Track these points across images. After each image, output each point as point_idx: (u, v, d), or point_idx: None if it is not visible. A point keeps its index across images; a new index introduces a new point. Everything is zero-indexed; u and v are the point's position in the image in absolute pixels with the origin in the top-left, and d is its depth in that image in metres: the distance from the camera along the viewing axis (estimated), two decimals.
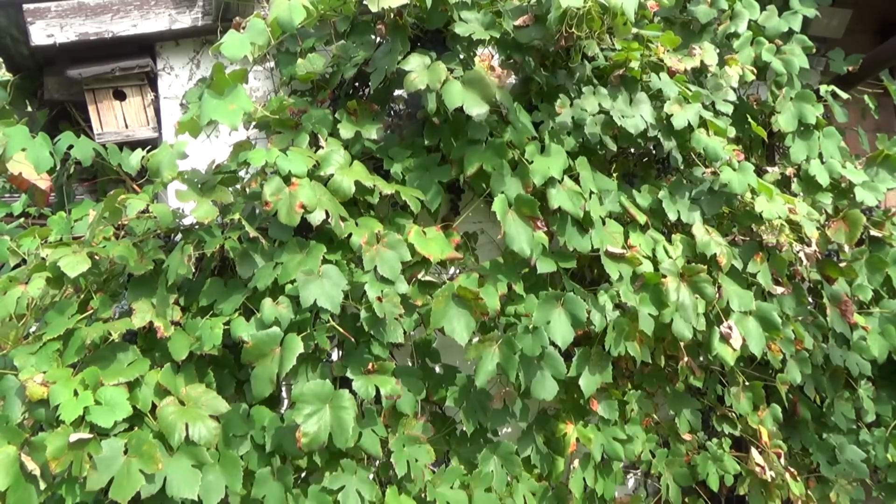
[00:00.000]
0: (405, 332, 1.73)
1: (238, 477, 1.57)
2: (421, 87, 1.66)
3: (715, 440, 2.15)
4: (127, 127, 2.21)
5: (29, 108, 2.52)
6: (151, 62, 2.21)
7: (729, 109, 2.15)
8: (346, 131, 1.80)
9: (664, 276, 1.87)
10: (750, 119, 2.23)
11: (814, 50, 2.36)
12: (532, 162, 1.82)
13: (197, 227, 1.73)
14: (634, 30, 1.93)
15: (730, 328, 1.91)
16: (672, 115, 1.95)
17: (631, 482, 2.40)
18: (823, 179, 2.21)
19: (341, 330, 1.68)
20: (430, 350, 1.93)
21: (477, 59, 1.71)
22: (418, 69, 1.69)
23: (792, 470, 2.12)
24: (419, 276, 1.77)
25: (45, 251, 1.69)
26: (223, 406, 1.61)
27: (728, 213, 2.13)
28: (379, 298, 1.64)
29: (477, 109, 1.67)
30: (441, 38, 1.84)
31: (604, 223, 1.91)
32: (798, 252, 2.11)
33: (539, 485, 1.93)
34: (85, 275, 1.61)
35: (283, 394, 1.84)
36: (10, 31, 2.18)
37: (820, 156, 2.28)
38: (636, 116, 1.96)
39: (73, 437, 1.41)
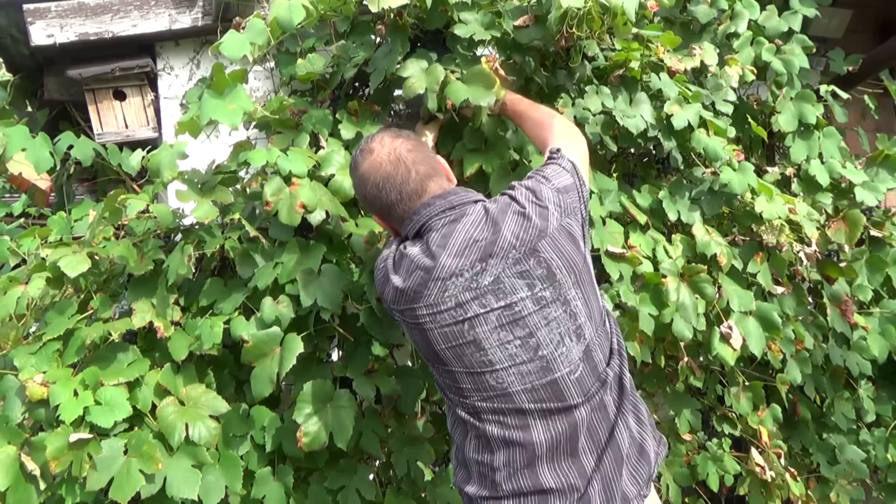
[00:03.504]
0: (405, 333, 1.72)
1: (238, 477, 1.57)
2: (420, 91, 1.66)
3: (715, 440, 2.15)
4: (127, 127, 2.21)
5: (29, 108, 2.52)
6: (151, 62, 2.21)
7: (729, 109, 2.15)
8: (346, 131, 1.80)
9: (664, 276, 1.87)
10: (750, 119, 2.23)
11: (814, 50, 2.36)
12: (531, 161, 1.82)
13: (197, 227, 1.73)
14: (634, 30, 1.93)
15: (730, 328, 1.91)
16: (672, 115, 1.95)
17: None
18: (823, 179, 2.20)
19: (341, 330, 1.68)
20: None
21: (483, 59, 1.71)
22: (416, 73, 1.69)
23: (792, 470, 2.12)
24: None
25: (45, 251, 1.69)
26: (223, 406, 1.61)
27: (728, 213, 2.13)
28: (378, 299, 1.64)
29: (484, 100, 1.65)
30: (441, 39, 1.84)
31: (604, 223, 1.91)
32: (798, 252, 2.11)
33: None
34: (85, 275, 1.61)
35: (283, 393, 1.84)
36: (10, 31, 2.18)
37: (820, 156, 2.28)
38: (636, 116, 1.96)
39: (73, 437, 1.41)
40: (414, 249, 1.28)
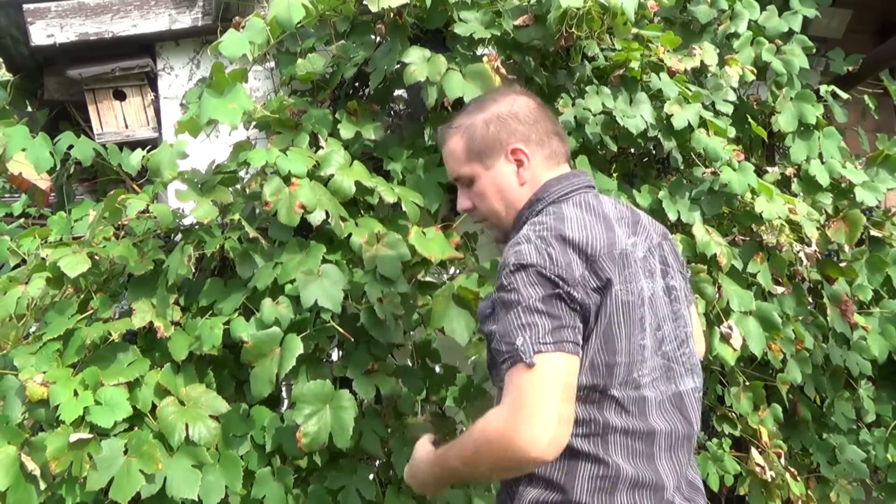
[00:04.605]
0: (405, 332, 1.73)
1: (238, 477, 1.57)
2: (420, 78, 1.66)
3: (715, 440, 2.15)
4: (127, 127, 2.21)
5: (29, 108, 2.52)
6: (151, 62, 2.21)
7: (729, 109, 2.15)
8: (346, 131, 1.80)
9: None
10: (750, 119, 2.23)
11: (814, 50, 2.36)
12: None
13: (197, 227, 1.73)
14: (634, 30, 1.93)
15: (730, 328, 1.91)
16: (672, 115, 1.95)
17: None
18: (823, 179, 2.20)
19: (341, 330, 1.68)
20: (430, 350, 1.93)
21: (484, 58, 1.71)
22: (418, 62, 1.69)
23: (792, 470, 2.11)
24: (419, 277, 1.77)
25: (45, 251, 1.69)
26: (223, 406, 1.61)
27: (728, 213, 2.13)
28: (380, 299, 1.64)
29: None
30: (441, 38, 1.84)
31: None
32: (798, 252, 2.11)
33: None
34: (85, 275, 1.61)
35: (283, 394, 1.84)
36: (10, 31, 2.18)
37: (820, 156, 2.28)
38: (636, 116, 1.96)
39: (73, 437, 1.41)
40: (579, 212, 1.09)
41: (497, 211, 1.20)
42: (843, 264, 2.24)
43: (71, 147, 1.89)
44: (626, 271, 1.03)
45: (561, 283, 0.97)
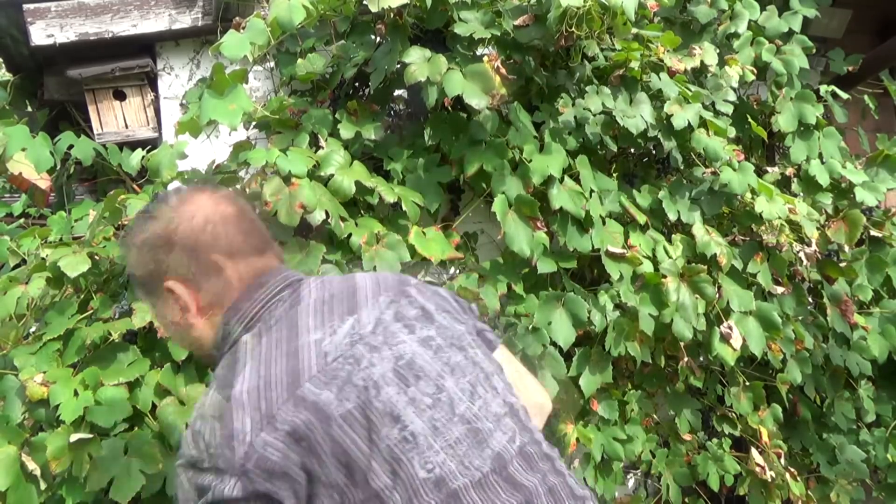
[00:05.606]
0: None
1: None
2: (421, 78, 1.66)
3: (715, 440, 2.15)
4: (127, 127, 2.21)
5: (29, 108, 2.52)
6: (151, 62, 2.21)
7: (729, 109, 2.15)
8: (346, 131, 1.80)
9: (664, 276, 1.87)
10: (750, 119, 2.23)
11: (814, 50, 2.36)
12: (531, 161, 1.82)
13: None
14: (634, 30, 1.93)
15: (730, 328, 1.91)
16: (672, 115, 1.95)
17: (631, 482, 2.40)
18: (823, 179, 2.21)
19: None
20: None
21: (485, 59, 1.71)
22: (418, 62, 1.69)
23: (792, 470, 2.12)
24: (419, 277, 1.77)
25: (45, 251, 1.69)
26: None
27: (728, 213, 2.13)
28: None
29: (477, 100, 1.66)
30: (441, 38, 1.84)
31: (604, 223, 1.91)
32: (798, 252, 2.11)
33: None
34: (85, 275, 1.61)
35: None
36: (10, 31, 2.17)
37: (820, 156, 2.28)
38: (636, 116, 1.96)
39: (74, 437, 1.41)
40: None
41: (194, 342, 0.98)
42: (843, 264, 2.24)
43: (71, 147, 1.89)
44: (337, 389, 0.82)
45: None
